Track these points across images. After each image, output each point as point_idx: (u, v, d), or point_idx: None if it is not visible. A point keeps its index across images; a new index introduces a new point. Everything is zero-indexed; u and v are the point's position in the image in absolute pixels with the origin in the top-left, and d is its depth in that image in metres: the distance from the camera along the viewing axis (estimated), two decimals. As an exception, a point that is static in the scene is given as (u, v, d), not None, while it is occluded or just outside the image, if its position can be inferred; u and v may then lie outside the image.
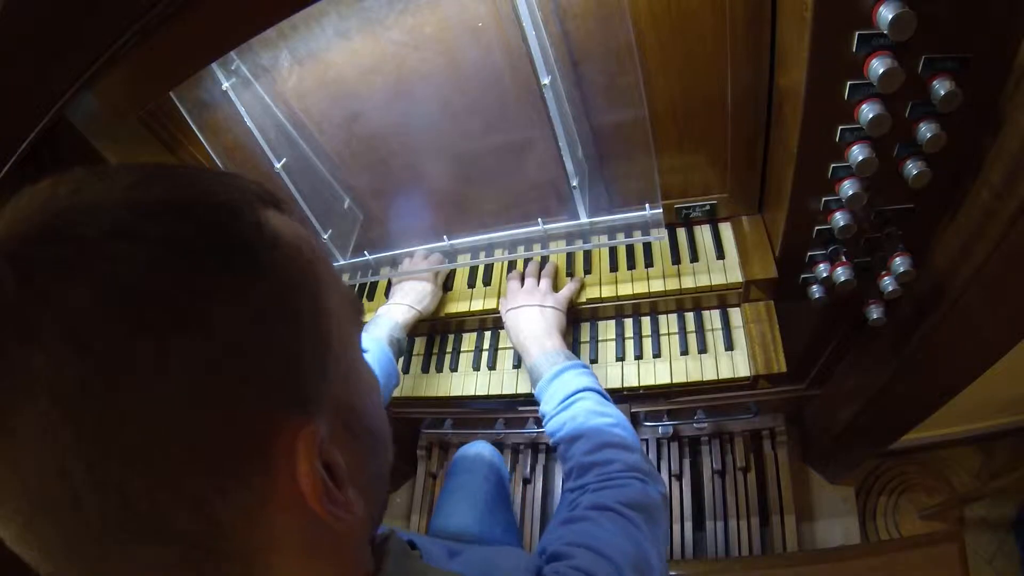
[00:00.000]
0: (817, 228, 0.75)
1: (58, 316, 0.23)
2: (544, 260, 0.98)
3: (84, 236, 0.24)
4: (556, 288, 0.94)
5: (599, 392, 0.73)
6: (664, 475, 1.39)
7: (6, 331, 0.23)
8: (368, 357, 0.82)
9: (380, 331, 0.87)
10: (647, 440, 1.41)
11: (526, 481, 1.46)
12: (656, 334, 0.95)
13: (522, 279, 0.95)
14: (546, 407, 0.74)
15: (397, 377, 0.89)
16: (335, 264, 1.03)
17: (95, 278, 0.23)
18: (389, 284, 1.10)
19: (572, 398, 0.71)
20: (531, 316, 0.86)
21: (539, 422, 1.23)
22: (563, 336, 0.85)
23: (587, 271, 0.98)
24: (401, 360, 1.00)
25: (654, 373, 0.92)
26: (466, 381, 1.01)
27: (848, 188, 0.66)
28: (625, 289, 0.94)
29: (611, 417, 0.68)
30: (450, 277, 1.06)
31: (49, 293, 0.23)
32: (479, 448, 1.10)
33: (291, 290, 0.29)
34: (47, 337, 0.23)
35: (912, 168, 0.63)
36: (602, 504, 0.54)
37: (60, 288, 0.23)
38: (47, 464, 0.23)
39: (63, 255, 0.24)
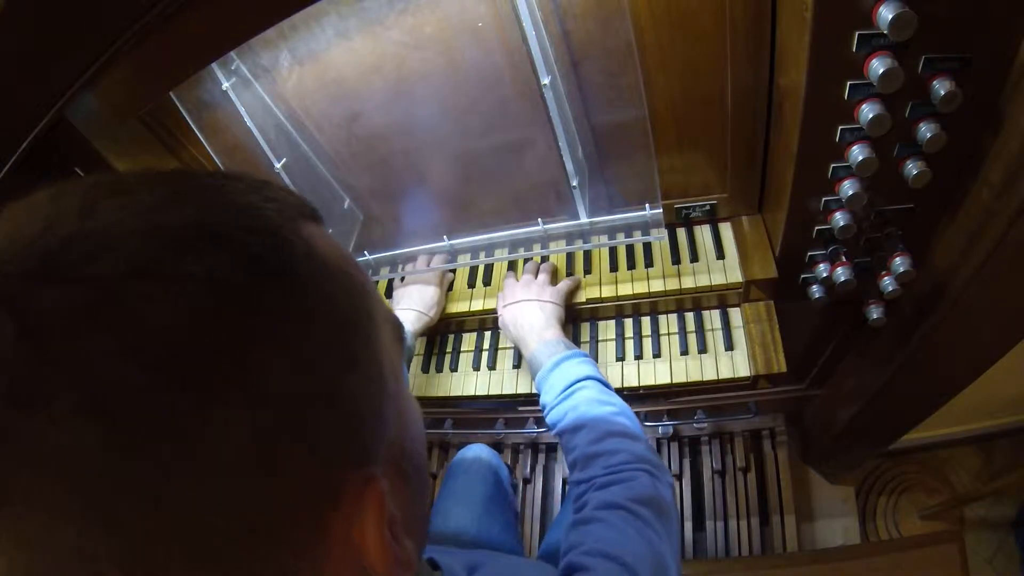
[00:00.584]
0: (817, 228, 0.75)
1: (74, 380, 0.18)
2: (543, 260, 0.98)
3: (100, 275, 0.19)
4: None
5: (601, 380, 0.72)
6: (664, 475, 1.39)
7: (6, 400, 0.18)
8: None
9: None
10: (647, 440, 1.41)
11: (526, 481, 1.46)
12: (656, 334, 0.95)
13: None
14: (546, 397, 0.73)
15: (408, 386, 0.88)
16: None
17: (117, 329, 0.19)
18: (389, 285, 1.10)
19: (573, 387, 0.70)
20: (529, 309, 0.86)
21: (540, 422, 1.23)
22: (562, 329, 0.85)
23: (587, 271, 0.98)
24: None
25: (654, 373, 0.92)
26: (466, 381, 1.01)
27: (848, 188, 0.66)
28: (625, 289, 0.94)
29: (614, 406, 0.67)
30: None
31: (60, 349, 0.18)
32: (477, 451, 1.09)
33: (344, 328, 0.25)
34: (60, 407, 0.18)
35: (912, 168, 0.63)
36: (612, 502, 0.53)
37: (73, 344, 0.19)
38: (64, 552, 0.19)
39: (75, 299, 0.19)
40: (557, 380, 0.72)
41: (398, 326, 0.31)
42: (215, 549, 0.21)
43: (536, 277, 0.93)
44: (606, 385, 0.72)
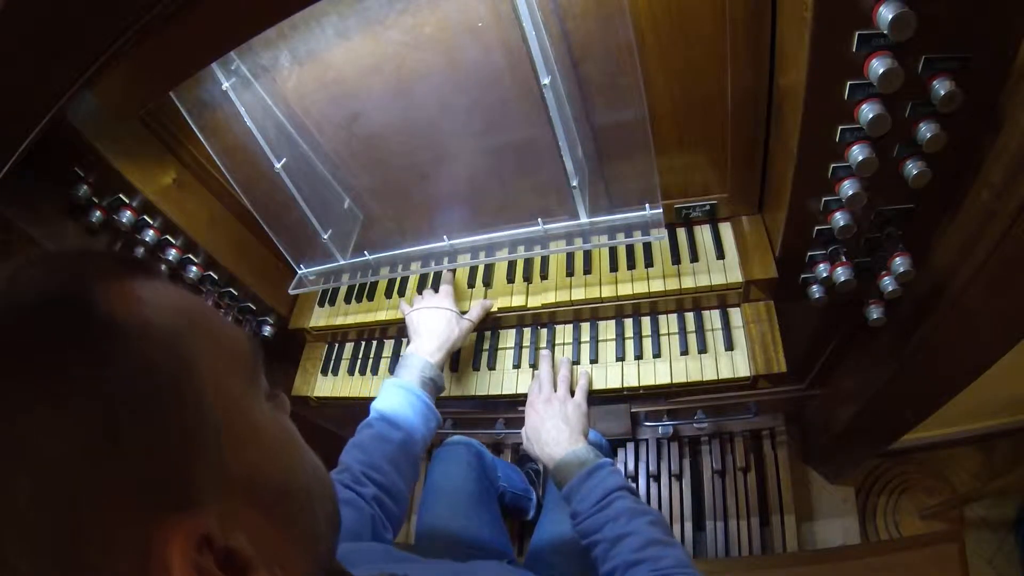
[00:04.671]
0: (817, 228, 0.75)
1: None
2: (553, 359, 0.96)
3: None
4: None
5: (631, 489, 0.72)
6: (664, 475, 1.39)
7: None
8: (401, 403, 0.79)
9: (411, 375, 0.84)
10: (647, 440, 1.41)
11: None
12: (656, 334, 0.95)
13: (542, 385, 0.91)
14: (580, 506, 0.72)
15: (436, 419, 0.84)
16: (335, 264, 1.03)
17: None
18: (389, 285, 1.10)
19: (609, 498, 0.70)
20: (553, 424, 0.83)
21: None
22: (585, 434, 0.83)
23: (587, 271, 0.98)
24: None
25: (654, 373, 0.92)
26: (466, 381, 1.01)
27: (848, 188, 0.66)
28: (625, 289, 0.94)
29: (651, 515, 0.68)
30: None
31: None
32: (456, 440, 1.09)
33: (143, 377, 0.25)
34: None
35: (912, 168, 0.63)
36: None
37: None
38: None
39: None
40: (590, 491, 0.71)
41: (244, 355, 0.31)
42: None
43: (556, 391, 0.90)
44: (635, 493, 0.72)
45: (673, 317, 0.96)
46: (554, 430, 0.82)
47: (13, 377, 0.23)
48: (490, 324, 1.04)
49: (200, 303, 0.30)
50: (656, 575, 0.60)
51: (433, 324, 0.91)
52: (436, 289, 1.01)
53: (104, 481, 0.23)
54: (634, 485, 0.76)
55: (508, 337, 1.03)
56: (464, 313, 0.96)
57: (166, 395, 0.25)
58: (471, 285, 1.04)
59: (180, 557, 0.24)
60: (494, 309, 1.00)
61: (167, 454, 0.25)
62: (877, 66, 0.54)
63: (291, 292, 1.04)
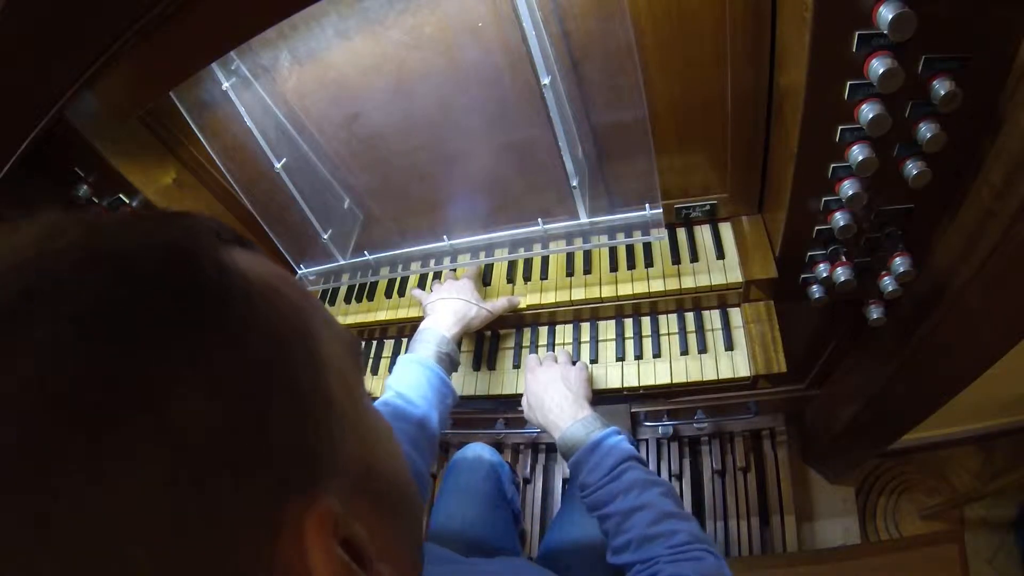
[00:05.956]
0: (817, 228, 0.75)
1: None
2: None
3: None
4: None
5: (640, 459, 0.71)
6: (664, 475, 1.39)
7: None
8: (419, 379, 0.77)
9: (427, 349, 0.81)
10: (647, 440, 1.41)
11: (526, 481, 1.46)
12: (656, 334, 0.95)
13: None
14: (589, 478, 0.69)
15: (452, 396, 0.82)
16: (335, 264, 1.03)
17: (5, 361, 0.18)
18: (389, 285, 1.10)
19: (619, 468, 0.68)
20: (555, 389, 0.80)
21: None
22: (589, 400, 0.81)
23: (587, 271, 0.98)
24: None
25: (654, 373, 0.92)
26: (466, 381, 1.01)
27: (848, 188, 0.66)
28: (625, 289, 0.94)
29: (662, 486, 0.66)
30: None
31: None
32: (478, 450, 1.09)
33: (278, 347, 0.23)
34: None
35: (912, 168, 0.63)
36: None
37: None
38: None
39: None
40: (599, 461, 0.69)
41: (352, 343, 0.30)
42: None
43: (557, 360, 0.88)
44: (643, 462, 0.71)
45: (673, 317, 0.96)
46: (557, 395, 0.79)
47: (150, 349, 0.20)
48: (490, 324, 1.04)
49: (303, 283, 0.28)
50: (673, 552, 0.58)
51: (452, 303, 0.90)
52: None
53: (237, 460, 0.21)
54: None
55: (508, 337, 1.03)
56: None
57: (298, 374, 0.24)
58: (471, 285, 1.04)
59: (317, 540, 0.22)
60: (522, 306, 0.98)
61: (297, 433, 0.23)
62: (877, 66, 0.54)
63: (291, 292, 1.04)
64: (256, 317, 0.23)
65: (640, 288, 0.93)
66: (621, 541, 0.63)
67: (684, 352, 0.93)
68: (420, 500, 0.34)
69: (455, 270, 1.02)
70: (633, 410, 1.25)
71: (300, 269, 1.04)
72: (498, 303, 0.94)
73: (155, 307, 0.20)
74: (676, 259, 0.94)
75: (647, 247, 0.96)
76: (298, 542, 0.22)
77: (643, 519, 0.62)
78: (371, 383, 1.08)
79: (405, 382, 0.77)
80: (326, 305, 1.14)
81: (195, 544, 0.20)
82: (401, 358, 0.82)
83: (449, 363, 0.83)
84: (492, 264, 1.03)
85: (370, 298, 1.11)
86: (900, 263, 0.73)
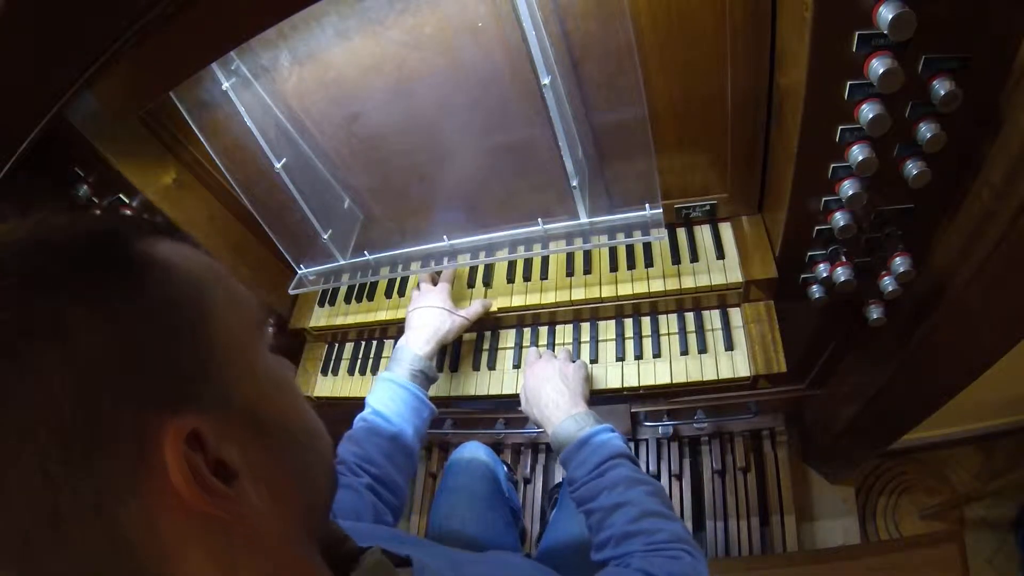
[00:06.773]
0: (817, 228, 0.75)
1: None
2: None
3: None
4: None
5: (630, 457, 0.71)
6: (664, 475, 1.39)
7: None
8: (392, 397, 0.81)
9: (401, 368, 0.85)
10: (647, 440, 1.41)
11: (526, 481, 1.46)
12: (656, 334, 0.95)
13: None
14: (576, 472, 0.70)
15: (429, 409, 0.85)
16: (335, 264, 1.03)
17: None
18: (389, 285, 1.10)
19: (606, 465, 0.68)
20: (552, 385, 0.81)
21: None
22: (585, 398, 0.82)
23: (587, 271, 0.98)
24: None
25: (654, 373, 0.92)
26: (466, 381, 1.01)
27: (848, 188, 0.66)
28: (625, 289, 0.94)
29: (649, 484, 0.66)
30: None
31: None
32: (474, 450, 1.09)
33: (167, 304, 0.31)
34: None
35: (912, 168, 0.63)
36: (653, 573, 0.54)
37: None
38: None
39: None
40: (587, 457, 0.70)
41: (254, 313, 0.36)
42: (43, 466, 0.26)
43: (556, 356, 0.89)
44: (634, 461, 0.71)
45: (673, 317, 0.96)
46: (554, 392, 0.80)
47: (66, 286, 0.28)
48: (490, 324, 1.04)
49: (222, 267, 0.36)
50: (650, 549, 0.58)
51: (426, 317, 0.92)
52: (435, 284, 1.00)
53: (124, 380, 0.28)
54: (633, 453, 0.73)
55: (508, 337, 1.03)
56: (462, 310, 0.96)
57: (183, 325, 0.31)
58: (471, 285, 1.04)
59: (172, 447, 0.28)
60: (494, 309, 0.99)
61: (175, 368, 0.30)
62: (877, 66, 0.54)
63: (291, 292, 1.04)
64: (152, 281, 0.31)
65: (640, 288, 0.93)
66: (603, 537, 0.63)
67: (684, 352, 0.93)
68: (326, 453, 0.39)
69: (435, 275, 1.03)
70: (633, 410, 1.24)
71: (300, 269, 1.04)
72: (471, 308, 0.96)
73: (70, 268, 0.29)
74: (676, 259, 0.94)
75: (647, 247, 0.96)
76: (159, 447, 0.28)
77: (624, 516, 0.63)
78: (371, 383, 1.07)
79: (381, 401, 0.81)
80: (326, 305, 1.14)
81: (85, 434, 0.27)
82: (378, 376, 0.86)
83: (424, 379, 0.86)
84: (492, 264, 1.03)
85: (370, 298, 1.12)
86: (900, 263, 0.73)
